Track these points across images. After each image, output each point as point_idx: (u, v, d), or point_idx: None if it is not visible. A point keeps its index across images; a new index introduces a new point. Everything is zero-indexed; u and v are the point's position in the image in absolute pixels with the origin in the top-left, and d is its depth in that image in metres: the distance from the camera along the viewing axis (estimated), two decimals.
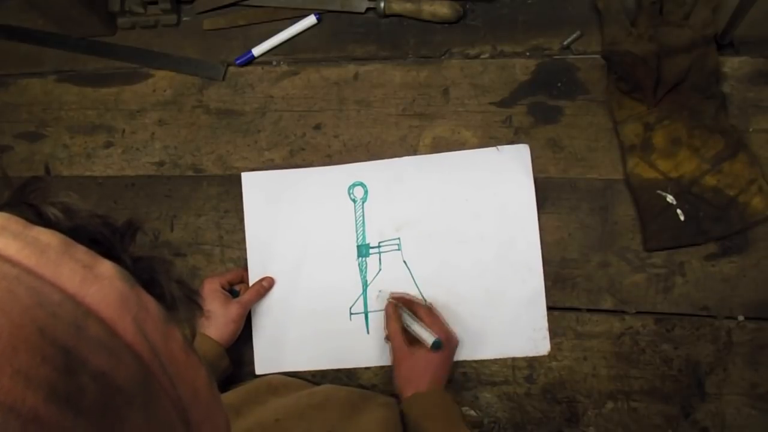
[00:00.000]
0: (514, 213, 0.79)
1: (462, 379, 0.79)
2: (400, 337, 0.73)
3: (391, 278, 0.80)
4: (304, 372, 0.81)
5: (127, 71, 0.91)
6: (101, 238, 0.27)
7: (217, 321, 0.76)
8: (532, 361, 0.78)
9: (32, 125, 0.92)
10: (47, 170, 0.91)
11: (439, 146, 0.82)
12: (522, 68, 0.81)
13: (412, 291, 0.80)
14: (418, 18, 0.83)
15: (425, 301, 0.79)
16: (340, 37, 0.86)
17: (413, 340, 0.73)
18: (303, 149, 0.85)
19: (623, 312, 0.77)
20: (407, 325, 0.74)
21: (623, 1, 0.77)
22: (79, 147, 0.90)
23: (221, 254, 0.85)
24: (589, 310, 0.78)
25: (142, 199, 0.88)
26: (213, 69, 0.88)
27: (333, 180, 0.82)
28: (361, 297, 0.81)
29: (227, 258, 0.85)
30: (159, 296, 0.27)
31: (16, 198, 0.27)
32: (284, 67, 0.87)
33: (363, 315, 0.80)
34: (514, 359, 0.78)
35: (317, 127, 0.85)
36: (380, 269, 0.81)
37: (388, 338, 0.75)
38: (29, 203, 0.26)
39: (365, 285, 0.81)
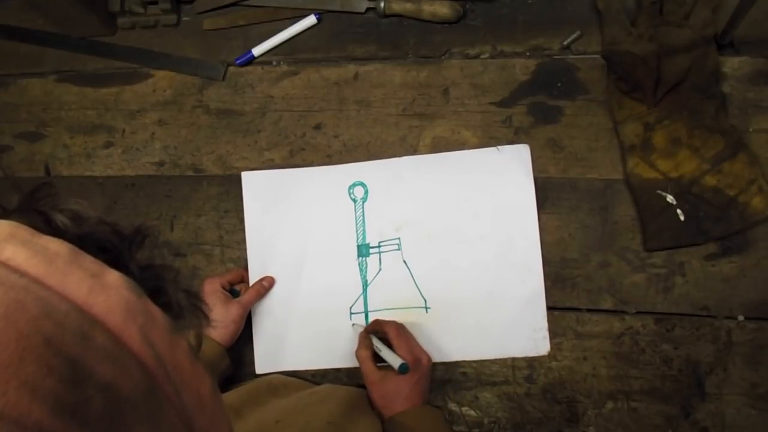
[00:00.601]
0: (514, 213, 0.79)
1: (462, 379, 0.79)
2: (369, 362, 0.73)
3: (391, 278, 0.80)
4: (304, 372, 0.81)
5: (127, 71, 0.91)
6: (109, 246, 0.27)
7: (220, 330, 0.76)
8: (532, 361, 0.78)
9: (32, 125, 0.92)
10: (47, 170, 0.91)
11: (439, 146, 0.82)
12: (522, 68, 0.81)
13: (411, 291, 0.80)
14: (418, 18, 0.83)
15: (424, 302, 0.79)
16: (340, 37, 0.86)
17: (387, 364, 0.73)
18: (303, 149, 0.85)
19: (623, 312, 0.77)
20: (377, 350, 0.73)
21: (623, 1, 0.77)
22: (79, 147, 0.90)
23: (221, 254, 0.85)
24: (589, 310, 0.78)
25: (142, 199, 0.88)
26: (213, 69, 0.88)
27: (333, 180, 0.82)
28: (361, 297, 0.81)
29: (227, 258, 0.85)
30: (166, 305, 0.27)
31: (25, 204, 0.27)
32: (284, 67, 0.87)
33: (363, 315, 0.80)
34: (514, 359, 0.78)
35: (317, 127, 0.85)
36: (380, 269, 0.81)
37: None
38: (38, 210, 0.26)
39: (365, 285, 0.81)
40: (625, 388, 0.76)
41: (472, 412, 0.78)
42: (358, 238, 0.81)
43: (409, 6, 0.83)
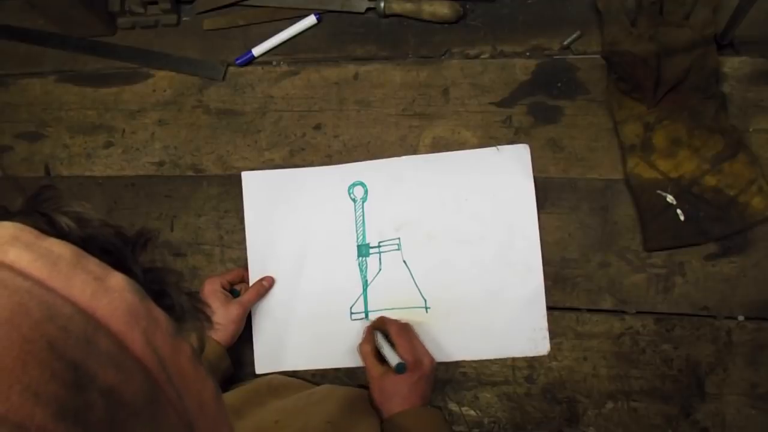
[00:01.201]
0: (513, 213, 0.79)
1: (462, 379, 0.79)
2: (371, 358, 0.73)
3: (391, 278, 0.80)
4: (304, 372, 0.81)
5: (127, 71, 0.91)
6: (113, 248, 0.27)
7: (221, 331, 0.76)
8: (532, 361, 0.78)
9: (32, 125, 0.92)
10: (47, 170, 0.91)
11: (439, 146, 0.82)
12: (522, 68, 0.81)
13: (411, 291, 0.80)
14: (418, 18, 0.83)
15: (424, 301, 0.79)
16: (340, 37, 0.86)
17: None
18: (303, 149, 0.85)
19: (623, 312, 0.77)
20: (379, 347, 0.73)
21: (623, 1, 0.77)
22: (79, 147, 0.90)
23: (221, 254, 0.85)
24: (589, 310, 0.78)
25: (142, 199, 0.88)
26: (213, 69, 0.88)
27: (333, 180, 0.82)
28: (361, 297, 0.81)
29: (227, 258, 0.85)
30: (169, 308, 0.27)
31: (29, 206, 0.27)
32: (284, 67, 0.87)
33: (363, 315, 0.80)
34: (514, 359, 0.78)
35: (317, 127, 0.85)
36: (380, 269, 0.81)
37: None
38: (42, 212, 0.26)
39: (365, 285, 0.81)
40: (625, 388, 0.76)
41: (472, 412, 0.78)
42: (358, 238, 0.81)
43: (409, 6, 0.83)
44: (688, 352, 0.75)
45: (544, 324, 0.77)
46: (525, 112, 0.81)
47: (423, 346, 0.74)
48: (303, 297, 0.81)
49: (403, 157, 0.82)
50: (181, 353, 0.26)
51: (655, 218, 0.75)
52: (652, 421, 0.75)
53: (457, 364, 0.78)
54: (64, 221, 0.26)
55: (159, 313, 0.26)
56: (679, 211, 0.75)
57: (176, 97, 0.89)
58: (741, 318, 0.75)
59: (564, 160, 0.79)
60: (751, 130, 0.76)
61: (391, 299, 0.80)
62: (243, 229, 0.84)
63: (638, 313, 0.76)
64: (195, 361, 0.27)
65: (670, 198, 0.75)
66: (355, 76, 0.85)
